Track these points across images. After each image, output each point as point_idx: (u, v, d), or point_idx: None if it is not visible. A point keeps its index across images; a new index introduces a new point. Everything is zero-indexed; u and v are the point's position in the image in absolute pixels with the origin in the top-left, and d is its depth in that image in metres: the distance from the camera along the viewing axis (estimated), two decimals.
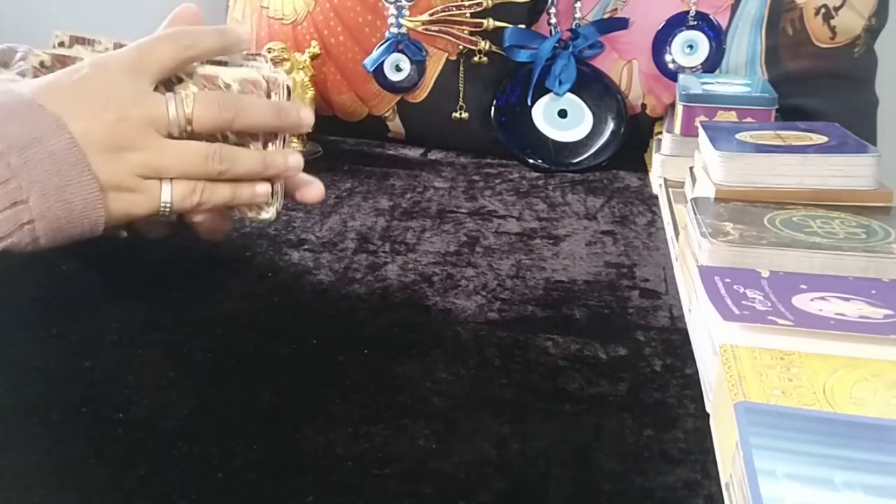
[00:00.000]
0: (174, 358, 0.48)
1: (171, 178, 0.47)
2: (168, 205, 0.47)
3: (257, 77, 0.50)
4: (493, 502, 0.37)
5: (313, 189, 0.56)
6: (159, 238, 0.55)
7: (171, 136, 0.46)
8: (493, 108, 0.90)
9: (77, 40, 0.49)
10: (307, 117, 0.52)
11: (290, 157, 0.52)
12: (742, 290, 0.46)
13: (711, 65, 0.86)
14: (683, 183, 0.70)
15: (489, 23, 0.87)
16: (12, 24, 1.16)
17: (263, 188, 0.51)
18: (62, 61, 0.49)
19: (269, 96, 0.51)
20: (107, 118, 0.44)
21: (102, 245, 0.63)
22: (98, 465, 0.39)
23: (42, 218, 0.42)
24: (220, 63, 0.50)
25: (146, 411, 0.43)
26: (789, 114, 0.82)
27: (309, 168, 0.87)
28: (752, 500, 0.31)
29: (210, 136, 0.49)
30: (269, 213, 0.53)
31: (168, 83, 0.48)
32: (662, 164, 0.77)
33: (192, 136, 0.48)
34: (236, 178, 0.49)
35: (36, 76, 0.48)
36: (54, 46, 0.49)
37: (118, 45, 0.50)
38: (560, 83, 0.86)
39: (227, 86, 0.49)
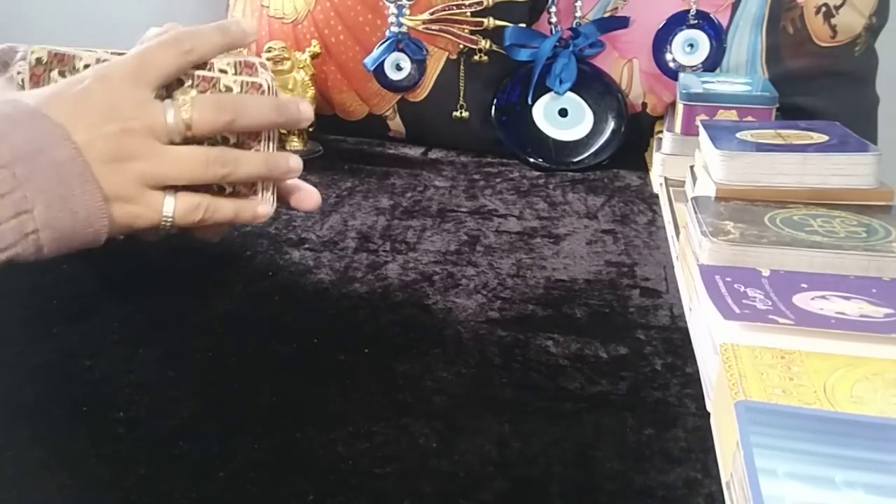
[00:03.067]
0: (174, 357, 0.48)
1: (176, 191, 0.47)
2: (170, 219, 0.47)
3: (259, 80, 0.50)
4: (494, 501, 0.37)
5: (310, 197, 0.55)
6: (155, 241, 0.53)
7: (172, 143, 0.47)
8: (493, 107, 0.90)
9: (55, 56, 0.49)
10: (307, 111, 0.52)
11: (292, 160, 0.52)
12: (743, 289, 0.46)
13: (712, 64, 0.86)
14: (684, 182, 0.70)
15: (490, 22, 0.87)
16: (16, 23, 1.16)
17: (265, 209, 0.51)
18: (60, 59, 0.48)
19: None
20: (109, 129, 0.44)
21: (102, 245, 0.63)
22: (99, 465, 0.39)
23: (46, 227, 0.42)
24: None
25: (147, 410, 0.43)
26: (790, 113, 0.82)
27: (309, 167, 0.87)
28: (753, 499, 0.31)
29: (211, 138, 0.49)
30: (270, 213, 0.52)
31: (169, 86, 0.48)
32: (663, 163, 0.77)
33: (195, 139, 0.48)
34: (239, 182, 0.50)
35: (32, 74, 0.48)
36: (30, 63, 0.49)
37: (100, 60, 0.49)
38: (560, 82, 0.86)
39: (228, 88, 0.49)
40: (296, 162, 0.52)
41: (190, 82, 0.48)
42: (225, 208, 0.49)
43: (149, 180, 0.46)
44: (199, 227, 0.49)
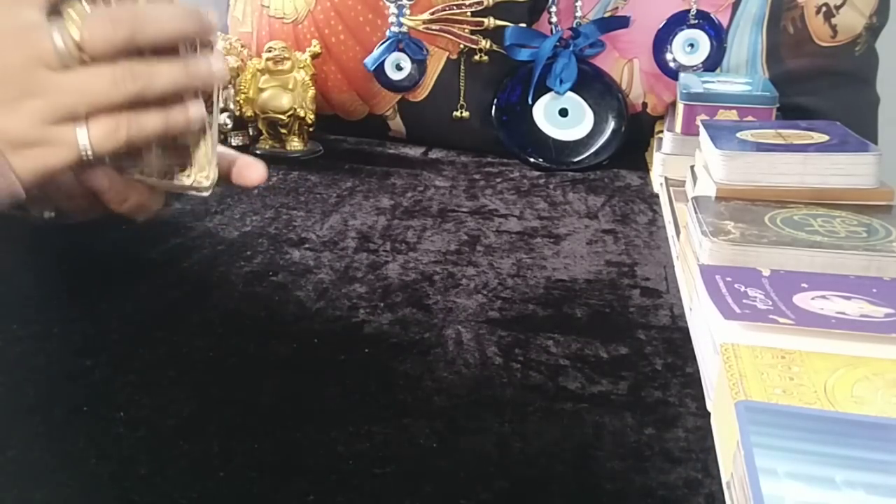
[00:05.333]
0: (174, 357, 0.48)
1: (87, 118, 0.41)
2: (87, 149, 0.40)
3: None
4: (494, 501, 0.37)
5: (254, 170, 0.49)
6: (90, 219, 0.49)
7: (69, 68, 0.40)
8: (493, 107, 0.90)
9: None
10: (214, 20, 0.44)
11: (215, 63, 0.44)
12: (743, 288, 0.46)
13: (712, 63, 0.86)
14: (684, 182, 0.70)
15: (490, 21, 0.87)
16: None
17: (197, 109, 0.44)
18: None
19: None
20: None
21: (102, 245, 0.63)
22: (99, 464, 0.39)
23: None
24: None
25: (147, 410, 0.43)
26: (790, 112, 0.82)
27: (310, 167, 0.87)
28: (754, 499, 0.31)
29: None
30: (206, 183, 0.46)
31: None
32: (663, 163, 0.77)
33: (94, 61, 0.41)
34: (160, 99, 0.43)
35: None
36: None
37: None
38: (561, 82, 0.86)
39: None
40: (219, 66, 0.45)
41: None
42: (152, 120, 0.42)
43: (52, 117, 0.40)
44: (132, 148, 0.43)
